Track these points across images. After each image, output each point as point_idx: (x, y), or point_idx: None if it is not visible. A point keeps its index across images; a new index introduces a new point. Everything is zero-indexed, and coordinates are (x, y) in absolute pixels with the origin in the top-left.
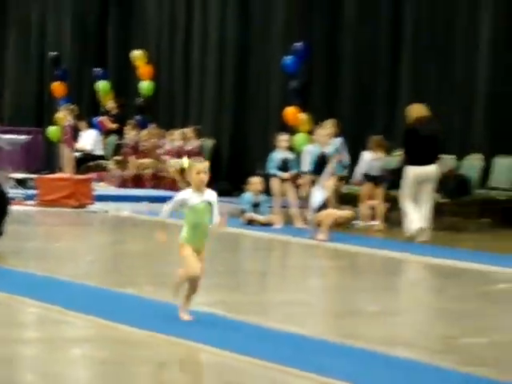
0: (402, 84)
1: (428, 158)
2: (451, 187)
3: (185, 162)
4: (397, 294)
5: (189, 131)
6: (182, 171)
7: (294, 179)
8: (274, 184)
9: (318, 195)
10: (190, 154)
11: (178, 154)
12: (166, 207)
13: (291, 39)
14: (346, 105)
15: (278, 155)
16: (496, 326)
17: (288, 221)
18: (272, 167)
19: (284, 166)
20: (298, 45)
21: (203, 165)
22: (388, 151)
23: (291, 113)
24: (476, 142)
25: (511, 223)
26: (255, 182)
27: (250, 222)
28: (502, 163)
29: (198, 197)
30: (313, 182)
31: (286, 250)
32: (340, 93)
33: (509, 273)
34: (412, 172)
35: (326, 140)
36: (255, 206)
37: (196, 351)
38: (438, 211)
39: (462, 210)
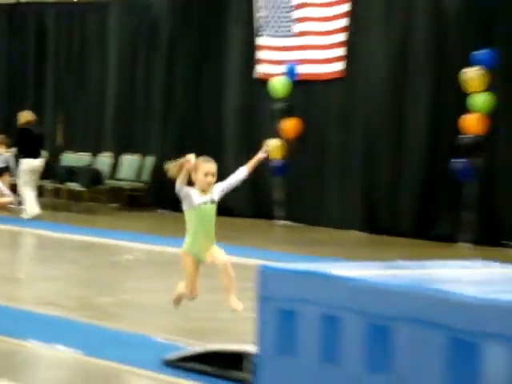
0: (48, 93)
1: (37, 152)
2: (87, 178)
3: (192, 159)
4: (41, 265)
5: None
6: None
7: None
8: None
9: None
10: None
11: None
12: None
13: None
14: None
15: None
16: (121, 288)
17: None
18: None
19: None
20: None
21: (211, 166)
22: (10, 147)
23: None
24: (107, 141)
25: (133, 207)
26: None
27: None
28: (127, 160)
29: (203, 197)
30: None
31: None
32: None
33: (131, 246)
34: (27, 164)
35: None
36: None
37: None
38: (77, 198)
39: (96, 197)
